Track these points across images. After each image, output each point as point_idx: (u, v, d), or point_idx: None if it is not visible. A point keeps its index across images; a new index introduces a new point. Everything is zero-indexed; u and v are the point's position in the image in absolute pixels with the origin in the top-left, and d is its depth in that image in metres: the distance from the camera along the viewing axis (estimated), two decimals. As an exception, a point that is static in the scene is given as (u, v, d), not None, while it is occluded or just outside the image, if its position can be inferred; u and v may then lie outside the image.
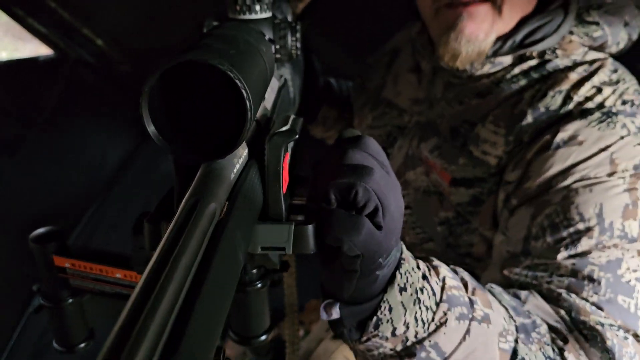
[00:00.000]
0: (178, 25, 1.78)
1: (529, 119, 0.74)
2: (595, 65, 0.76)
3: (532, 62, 0.78)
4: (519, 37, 0.78)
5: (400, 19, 1.15)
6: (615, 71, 0.77)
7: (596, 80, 0.74)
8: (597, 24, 0.78)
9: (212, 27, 0.46)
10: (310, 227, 0.40)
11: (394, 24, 1.67)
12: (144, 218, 0.41)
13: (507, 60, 0.79)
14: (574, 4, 0.79)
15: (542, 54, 0.78)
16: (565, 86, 0.74)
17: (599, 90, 0.73)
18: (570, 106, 0.73)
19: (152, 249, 0.41)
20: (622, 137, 0.70)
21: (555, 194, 0.68)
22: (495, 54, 0.79)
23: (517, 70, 0.78)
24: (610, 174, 0.68)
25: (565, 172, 0.69)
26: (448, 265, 0.55)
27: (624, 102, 0.73)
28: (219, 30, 0.41)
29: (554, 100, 0.74)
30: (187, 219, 0.31)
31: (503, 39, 0.78)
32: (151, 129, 0.35)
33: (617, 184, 0.67)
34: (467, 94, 0.82)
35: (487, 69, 0.80)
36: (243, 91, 0.33)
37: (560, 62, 0.77)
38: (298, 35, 0.52)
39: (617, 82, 0.75)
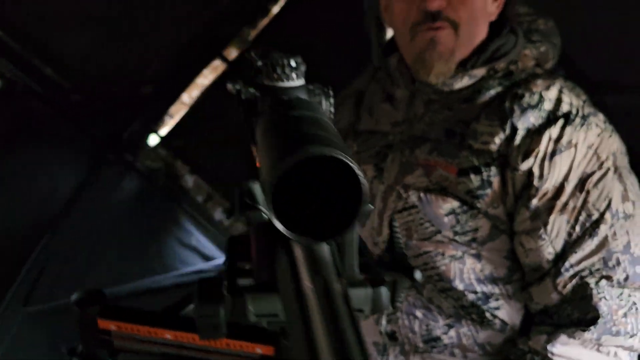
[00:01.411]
0: (129, 54, 1.80)
1: (518, 113, 0.95)
2: (551, 75, 1.01)
3: (500, 73, 1.00)
4: (488, 53, 0.99)
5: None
6: (566, 79, 1.01)
7: (558, 84, 0.98)
8: (540, 41, 1.02)
9: (278, 105, 0.47)
10: (384, 289, 0.43)
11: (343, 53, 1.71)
12: (212, 286, 0.43)
13: (480, 72, 1.00)
14: (519, 28, 1.02)
15: (507, 66, 0.99)
16: (536, 89, 0.96)
17: (561, 91, 0.96)
18: (548, 106, 0.95)
19: (236, 318, 0.42)
20: (598, 135, 0.94)
21: (572, 196, 0.92)
22: (473, 67, 0.99)
23: (491, 80, 1.00)
24: (600, 166, 0.93)
25: (570, 173, 0.93)
26: None
27: (584, 103, 0.97)
28: (299, 112, 0.42)
29: (531, 99, 0.96)
30: (327, 300, 0.33)
31: (477, 56, 0.99)
32: (280, 225, 0.36)
33: (609, 174, 0.93)
34: (453, 101, 1.01)
35: (466, 81, 1.01)
36: (360, 178, 0.35)
37: (522, 71, 1.00)
38: (332, 100, 0.54)
39: (573, 87, 0.99)
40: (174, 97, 1.93)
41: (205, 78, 1.87)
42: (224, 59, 1.85)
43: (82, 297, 0.53)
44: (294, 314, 0.33)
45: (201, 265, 1.99)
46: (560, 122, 0.94)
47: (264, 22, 1.87)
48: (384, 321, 1.03)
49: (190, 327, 0.50)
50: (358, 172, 0.35)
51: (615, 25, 1.37)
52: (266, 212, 0.40)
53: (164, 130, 2.02)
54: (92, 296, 0.53)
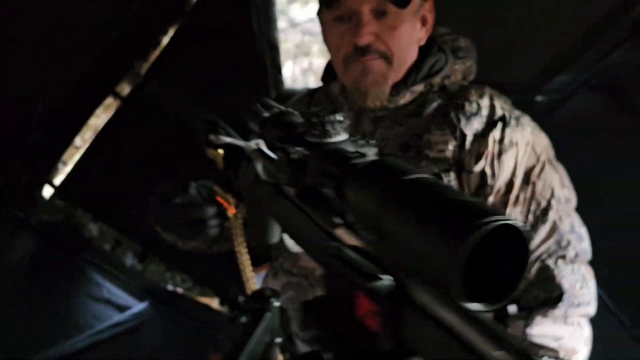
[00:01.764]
0: (11, 98, 1.67)
1: (463, 121, 1.04)
2: (478, 85, 1.11)
3: (436, 87, 1.09)
4: (424, 71, 1.07)
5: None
6: (492, 88, 1.10)
7: (488, 92, 1.08)
8: (466, 57, 1.12)
9: (381, 171, 0.43)
10: None
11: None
12: None
13: (419, 88, 1.08)
14: (446, 47, 1.12)
15: (442, 81, 1.09)
16: (472, 98, 1.06)
17: (492, 98, 1.07)
18: (485, 113, 1.05)
19: None
20: (531, 132, 1.05)
21: (522, 189, 1.01)
22: (413, 84, 1.07)
23: (429, 94, 1.09)
24: (537, 160, 1.03)
25: (516, 169, 1.02)
26: None
27: (511, 106, 1.08)
28: (415, 176, 0.40)
29: (471, 107, 1.05)
30: None
31: (415, 73, 1.07)
32: (470, 304, 0.34)
33: (547, 166, 1.03)
34: (401, 117, 1.07)
35: (408, 97, 1.08)
36: (528, 241, 0.35)
37: (454, 84, 1.10)
38: (375, 149, 0.53)
39: (499, 94, 1.09)
40: (65, 142, 1.81)
41: (99, 118, 1.78)
42: (117, 96, 1.77)
43: None
44: None
45: (117, 317, 1.85)
46: (499, 125, 1.04)
47: (155, 54, 1.82)
48: None
49: None
50: (526, 235, 0.34)
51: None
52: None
53: (58, 179, 1.88)
54: None
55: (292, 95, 1.92)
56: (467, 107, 1.06)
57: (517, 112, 1.08)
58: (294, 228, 0.59)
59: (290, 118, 0.57)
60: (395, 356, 0.39)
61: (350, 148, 0.48)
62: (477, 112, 1.05)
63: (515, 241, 0.34)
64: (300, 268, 1.11)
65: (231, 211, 0.86)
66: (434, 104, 1.08)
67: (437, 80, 1.08)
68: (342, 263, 0.42)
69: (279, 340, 0.80)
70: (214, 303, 2.19)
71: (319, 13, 1.13)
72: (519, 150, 1.04)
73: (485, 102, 1.07)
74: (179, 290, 2.10)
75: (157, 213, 1.00)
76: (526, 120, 1.08)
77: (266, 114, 0.61)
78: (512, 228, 0.33)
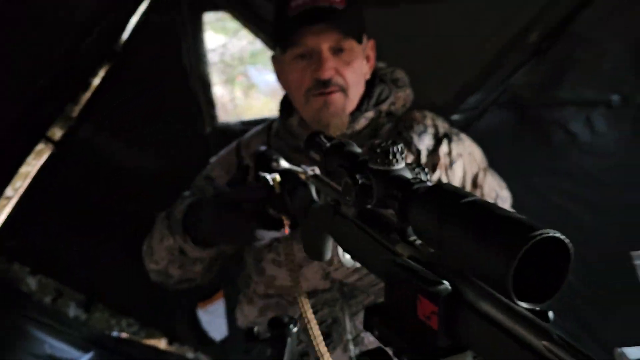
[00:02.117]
0: None
1: (416, 138, 1.20)
2: (417, 109, 1.29)
3: (384, 113, 1.22)
4: (374, 100, 1.21)
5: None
6: (431, 110, 1.29)
7: (429, 115, 1.26)
8: (404, 86, 1.27)
9: (441, 196, 0.49)
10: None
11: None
12: None
13: (371, 114, 1.21)
14: (387, 78, 1.27)
15: (389, 107, 1.23)
16: (418, 120, 1.23)
17: (433, 119, 1.26)
18: (432, 131, 1.22)
19: None
20: (469, 145, 1.24)
21: (473, 192, 1.10)
22: (366, 111, 1.21)
23: (380, 119, 1.22)
24: (478, 167, 1.22)
25: (465, 175, 1.19)
26: None
27: (448, 124, 1.28)
28: (472, 197, 0.46)
29: (418, 127, 1.21)
30: None
31: (366, 102, 1.20)
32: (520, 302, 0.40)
33: (486, 171, 1.23)
34: (361, 141, 1.16)
35: (363, 123, 1.20)
36: (570, 249, 0.40)
37: (399, 110, 1.25)
38: (429, 176, 0.58)
39: (437, 115, 1.29)
40: (-6, 193, 1.70)
41: (30, 165, 1.70)
42: (49, 140, 1.71)
43: None
44: None
45: (63, 373, 1.76)
46: (445, 141, 1.19)
47: (87, 96, 1.78)
48: (351, 346, 1.11)
49: None
50: (569, 245, 0.40)
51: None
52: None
53: (-12, 234, 1.75)
54: None
55: (227, 129, 1.97)
56: (415, 127, 1.21)
57: (454, 129, 1.26)
58: (353, 244, 0.65)
59: (350, 148, 0.64)
60: (451, 351, 0.46)
61: (408, 174, 0.55)
62: (425, 131, 1.21)
63: (559, 249, 0.41)
64: (276, 288, 1.16)
65: (286, 231, 0.92)
66: (386, 127, 1.22)
67: (384, 107, 1.22)
68: (406, 271, 0.49)
69: None
70: (162, 344, 2.14)
71: (274, 56, 1.21)
72: (465, 160, 1.20)
73: (428, 122, 1.24)
74: (124, 335, 2.03)
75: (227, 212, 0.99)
76: (463, 135, 1.26)
77: (328, 144, 0.68)
78: (557, 239, 0.40)
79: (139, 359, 2.06)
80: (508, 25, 1.77)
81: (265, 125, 1.35)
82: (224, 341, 2.14)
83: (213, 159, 1.37)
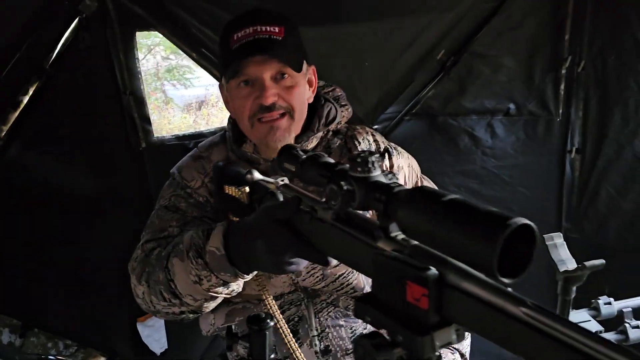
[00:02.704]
0: None
1: (364, 143, 1.30)
2: (359, 125, 1.39)
3: (331, 131, 1.30)
4: (323, 119, 1.27)
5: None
6: (353, 121, 1.38)
7: (369, 131, 1.35)
8: (346, 104, 1.36)
9: (424, 199, 0.55)
10: None
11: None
12: None
13: (320, 133, 1.28)
14: (329, 97, 1.34)
15: (336, 126, 1.30)
16: (361, 136, 1.31)
17: (373, 134, 1.34)
18: (374, 147, 1.31)
19: None
20: (407, 157, 1.34)
21: None
22: (318, 131, 1.26)
23: (329, 137, 1.30)
24: (417, 176, 1.34)
25: (406, 185, 1.25)
26: None
27: (385, 138, 1.38)
28: (451, 197, 0.53)
29: (364, 143, 1.30)
30: None
31: (318, 122, 1.27)
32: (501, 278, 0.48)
33: (422, 180, 1.36)
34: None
35: (314, 142, 1.28)
36: (536, 235, 0.48)
37: (344, 127, 1.32)
38: (398, 180, 0.64)
39: (374, 131, 1.38)
40: None
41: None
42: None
43: None
44: None
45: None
46: (387, 155, 1.29)
47: (15, 115, 1.75)
48: (317, 341, 1.18)
49: None
50: (536, 229, 0.48)
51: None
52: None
53: None
54: None
55: (161, 144, 2.00)
56: (362, 144, 1.30)
57: (392, 143, 1.37)
58: (333, 245, 0.70)
59: (325, 159, 0.71)
60: (438, 326, 0.52)
61: (384, 180, 0.62)
62: (369, 146, 1.31)
63: (528, 234, 0.48)
64: (243, 297, 1.18)
65: None
66: (336, 144, 1.29)
67: (333, 125, 1.29)
68: (395, 261, 0.55)
69: (273, 356, 0.93)
70: (100, 363, 2.11)
71: (222, 84, 1.26)
72: (405, 172, 1.31)
73: (370, 138, 1.32)
74: (61, 358, 1.99)
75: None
76: (400, 148, 1.37)
77: (304, 156, 0.74)
78: (528, 226, 0.48)
79: (76, 380, 2.01)
80: (417, 45, 1.98)
81: (220, 137, 1.36)
82: (164, 354, 2.15)
83: (180, 172, 1.30)
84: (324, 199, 0.70)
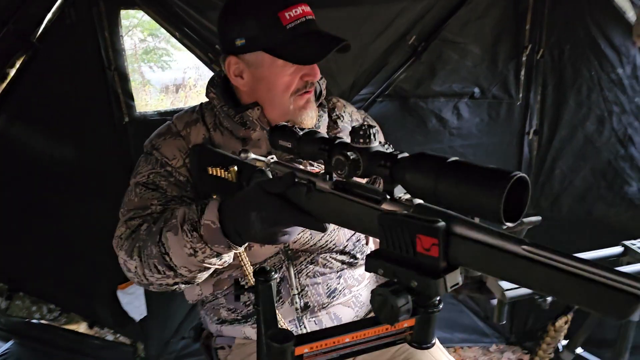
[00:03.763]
0: None
1: (348, 126, 1.36)
2: (335, 98, 1.46)
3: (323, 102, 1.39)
4: (324, 93, 1.37)
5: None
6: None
7: (344, 103, 1.45)
8: (322, 76, 1.30)
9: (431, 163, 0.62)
10: None
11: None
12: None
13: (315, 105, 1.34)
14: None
15: (322, 99, 1.37)
16: (341, 109, 1.41)
17: (347, 106, 1.44)
18: (355, 117, 1.43)
19: None
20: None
21: None
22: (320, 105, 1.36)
23: (320, 110, 1.36)
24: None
25: None
26: None
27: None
28: (455, 158, 0.60)
29: (345, 116, 1.39)
30: None
31: (321, 97, 1.36)
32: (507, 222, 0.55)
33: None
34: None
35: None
36: (529, 186, 0.56)
37: (324, 99, 1.38)
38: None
39: (346, 102, 1.46)
40: None
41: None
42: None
43: (276, 334, 0.65)
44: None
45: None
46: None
47: (2, 87, 1.81)
48: (297, 299, 1.28)
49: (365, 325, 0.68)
50: (528, 181, 0.55)
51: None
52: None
53: None
54: (285, 332, 0.66)
55: (144, 119, 2.08)
56: (344, 116, 1.39)
57: (362, 113, 1.46)
58: (335, 212, 0.75)
59: (321, 135, 0.77)
60: (448, 270, 0.59)
61: (382, 149, 0.69)
62: (350, 119, 1.40)
63: (523, 185, 0.56)
64: (230, 267, 1.21)
65: None
66: (325, 116, 1.35)
67: (322, 99, 1.36)
68: (404, 218, 0.61)
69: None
70: (82, 328, 2.19)
71: (237, 57, 1.22)
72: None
73: (348, 110, 1.42)
74: (45, 322, 2.07)
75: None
76: (370, 118, 1.47)
77: (301, 132, 0.79)
78: (523, 178, 0.55)
79: (59, 344, 2.10)
80: (391, 30, 2.10)
81: (195, 114, 1.33)
82: (143, 320, 2.24)
83: (159, 149, 1.26)
84: (322, 171, 0.77)
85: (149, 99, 6.54)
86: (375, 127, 0.71)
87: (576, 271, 0.49)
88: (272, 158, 0.91)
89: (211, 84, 1.32)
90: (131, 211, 1.21)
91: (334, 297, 1.31)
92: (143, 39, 6.49)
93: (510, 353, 2.55)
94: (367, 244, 1.40)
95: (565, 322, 0.60)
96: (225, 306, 1.32)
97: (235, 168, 0.96)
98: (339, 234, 1.30)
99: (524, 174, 0.55)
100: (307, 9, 1.20)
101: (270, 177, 0.90)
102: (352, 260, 1.34)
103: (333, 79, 2.13)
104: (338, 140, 0.74)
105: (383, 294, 0.60)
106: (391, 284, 0.61)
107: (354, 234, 1.34)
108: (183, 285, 1.14)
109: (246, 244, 1.03)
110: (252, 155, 0.92)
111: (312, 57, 1.18)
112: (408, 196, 0.67)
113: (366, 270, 0.65)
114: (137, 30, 6.28)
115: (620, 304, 0.46)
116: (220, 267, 1.08)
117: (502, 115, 2.22)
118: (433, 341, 0.69)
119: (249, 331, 1.32)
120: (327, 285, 1.31)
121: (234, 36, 1.19)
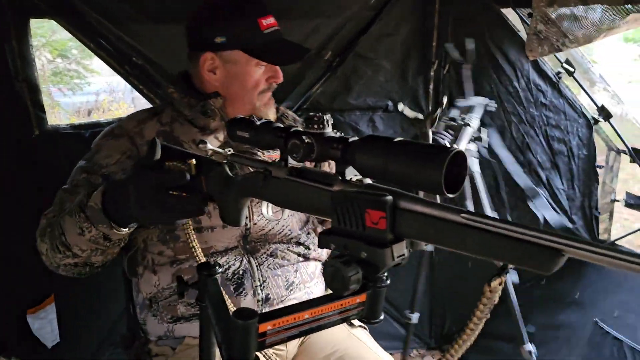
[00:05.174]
0: None
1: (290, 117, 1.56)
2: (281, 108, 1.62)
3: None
4: None
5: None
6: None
7: (291, 113, 1.63)
8: None
9: (379, 143, 0.68)
10: None
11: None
12: None
13: None
14: None
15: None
16: (291, 117, 1.60)
17: (294, 117, 1.61)
18: (292, 121, 1.58)
19: None
20: None
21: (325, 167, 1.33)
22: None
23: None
24: None
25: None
26: None
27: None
28: (401, 139, 0.66)
29: (296, 124, 1.45)
30: None
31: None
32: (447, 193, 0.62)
33: None
34: None
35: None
36: (467, 160, 0.63)
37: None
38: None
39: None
40: None
41: None
42: None
43: (242, 312, 0.67)
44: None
45: None
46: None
47: None
48: (259, 291, 1.32)
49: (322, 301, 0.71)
50: (465, 155, 0.63)
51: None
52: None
53: None
54: (249, 310, 0.68)
55: (56, 132, 2.02)
56: (289, 117, 1.57)
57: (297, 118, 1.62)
58: (290, 197, 0.81)
59: (277, 124, 0.83)
60: (394, 241, 0.65)
61: (334, 134, 0.76)
62: (295, 121, 1.57)
63: (460, 160, 0.63)
64: (190, 252, 1.23)
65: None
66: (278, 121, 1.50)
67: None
68: (354, 195, 0.66)
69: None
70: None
71: (214, 54, 1.36)
72: None
73: (288, 113, 1.59)
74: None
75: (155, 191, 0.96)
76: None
77: (258, 122, 0.85)
78: (461, 152, 0.63)
79: (-41, 377, 1.94)
80: (307, 45, 2.17)
81: (150, 112, 1.45)
82: (56, 347, 2.12)
83: (100, 150, 1.35)
84: (278, 159, 0.82)
85: (59, 122, 6.24)
86: (327, 115, 0.77)
87: (508, 233, 0.56)
88: (229, 150, 0.95)
89: (170, 83, 1.49)
90: (52, 211, 1.28)
91: (292, 290, 1.38)
92: (52, 60, 6.23)
93: (430, 357, 2.66)
94: (316, 235, 1.50)
95: (500, 284, 0.68)
96: (185, 301, 1.33)
97: (194, 161, 0.98)
98: (292, 221, 1.42)
99: (461, 149, 0.64)
100: (273, 19, 1.40)
101: (229, 171, 0.94)
102: (306, 251, 1.43)
103: (252, 92, 2.18)
104: (293, 128, 0.80)
105: (334, 265, 0.65)
106: (341, 255, 0.66)
107: (306, 224, 1.46)
108: (87, 269, 1.23)
109: (132, 225, 1.11)
110: (210, 146, 0.96)
111: (287, 60, 1.40)
112: (357, 178, 0.74)
113: (319, 246, 0.70)
114: (45, 51, 6.02)
115: (546, 258, 0.53)
116: (109, 247, 1.16)
117: (413, 128, 2.37)
118: (381, 317, 0.75)
119: None
120: (285, 277, 1.37)
121: (215, 34, 1.33)
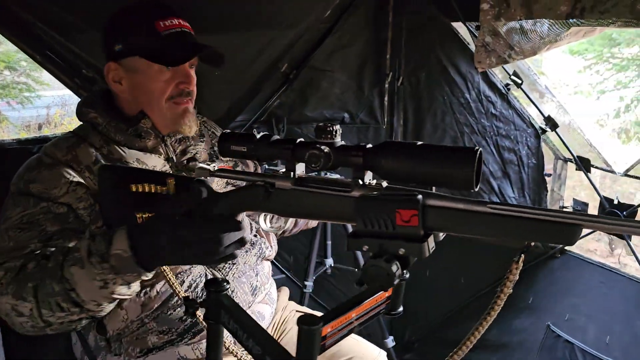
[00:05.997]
0: None
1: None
2: (204, 118, 1.56)
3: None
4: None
5: None
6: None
7: (212, 123, 1.58)
8: None
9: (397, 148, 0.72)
10: None
11: None
12: None
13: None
14: None
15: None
16: (213, 127, 1.54)
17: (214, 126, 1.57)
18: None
19: None
20: None
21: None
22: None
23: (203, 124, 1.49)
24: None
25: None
26: None
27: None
28: (419, 143, 0.71)
29: (217, 132, 1.49)
30: None
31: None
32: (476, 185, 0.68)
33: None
34: (197, 139, 1.42)
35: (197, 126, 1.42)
36: (483, 158, 0.66)
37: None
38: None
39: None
40: None
41: None
42: None
43: (307, 318, 0.69)
44: None
45: None
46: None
47: None
48: None
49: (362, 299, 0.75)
50: (481, 152, 0.68)
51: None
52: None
53: None
54: (314, 317, 0.69)
55: (1, 146, 1.93)
56: (217, 130, 1.53)
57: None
58: (302, 206, 0.81)
59: (275, 137, 0.83)
60: (426, 236, 0.69)
61: (345, 142, 0.78)
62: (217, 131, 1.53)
63: (479, 157, 0.68)
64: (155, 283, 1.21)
65: None
66: (204, 130, 1.47)
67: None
68: (381, 198, 0.70)
69: None
70: None
71: (115, 64, 1.26)
72: None
73: (217, 128, 1.54)
74: None
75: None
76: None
77: (258, 136, 0.84)
78: (480, 151, 0.68)
79: None
80: (264, 58, 2.19)
81: (74, 138, 1.27)
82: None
83: (35, 181, 1.18)
84: (283, 170, 0.82)
85: (6, 137, 6.01)
86: (337, 125, 0.80)
87: (533, 216, 0.63)
88: (215, 166, 0.92)
89: (88, 106, 1.31)
90: (3, 255, 1.10)
91: (256, 294, 1.37)
92: (-1, 72, 6.01)
93: (390, 367, 2.67)
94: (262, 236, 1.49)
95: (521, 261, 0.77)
96: (156, 330, 1.23)
97: (173, 180, 0.96)
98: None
99: (480, 148, 0.68)
100: (185, 23, 1.29)
101: (210, 185, 0.93)
102: (259, 252, 1.42)
103: (207, 105, 2.15)
104: (299, 140, 0.81)
105: (377, 264, 0.68)
106: (379, 255, 0.69)
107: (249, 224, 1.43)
108: (85, 321, 1.08)
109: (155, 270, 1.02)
110: (199, 165, 0.93)
111: (180, 59, 1.24)
112: (374, 181, 0.77)
113: (348, 249, 0.73)
114: (-8, 64, 5.80)
115: (568, 232, 0.62)
116: (129, 296, 1.06)
117: (370, 139, 2.39)
118: (401, 309, 0.82)
119: (184, 350, 1.26)
120: (250, 283, 1.36)
121: (113, 42, 1.25)
